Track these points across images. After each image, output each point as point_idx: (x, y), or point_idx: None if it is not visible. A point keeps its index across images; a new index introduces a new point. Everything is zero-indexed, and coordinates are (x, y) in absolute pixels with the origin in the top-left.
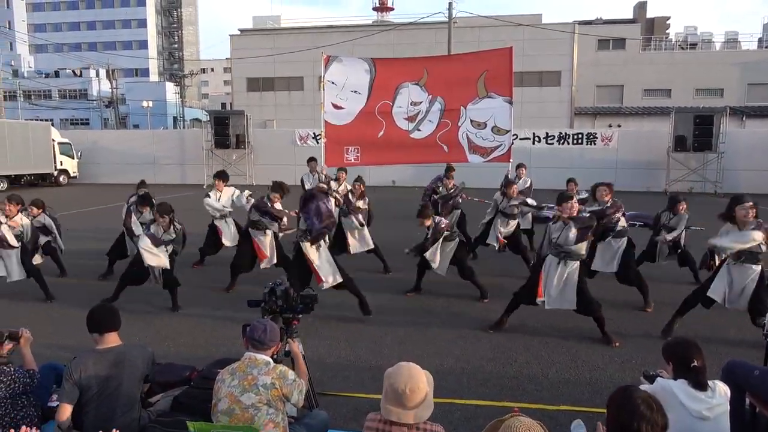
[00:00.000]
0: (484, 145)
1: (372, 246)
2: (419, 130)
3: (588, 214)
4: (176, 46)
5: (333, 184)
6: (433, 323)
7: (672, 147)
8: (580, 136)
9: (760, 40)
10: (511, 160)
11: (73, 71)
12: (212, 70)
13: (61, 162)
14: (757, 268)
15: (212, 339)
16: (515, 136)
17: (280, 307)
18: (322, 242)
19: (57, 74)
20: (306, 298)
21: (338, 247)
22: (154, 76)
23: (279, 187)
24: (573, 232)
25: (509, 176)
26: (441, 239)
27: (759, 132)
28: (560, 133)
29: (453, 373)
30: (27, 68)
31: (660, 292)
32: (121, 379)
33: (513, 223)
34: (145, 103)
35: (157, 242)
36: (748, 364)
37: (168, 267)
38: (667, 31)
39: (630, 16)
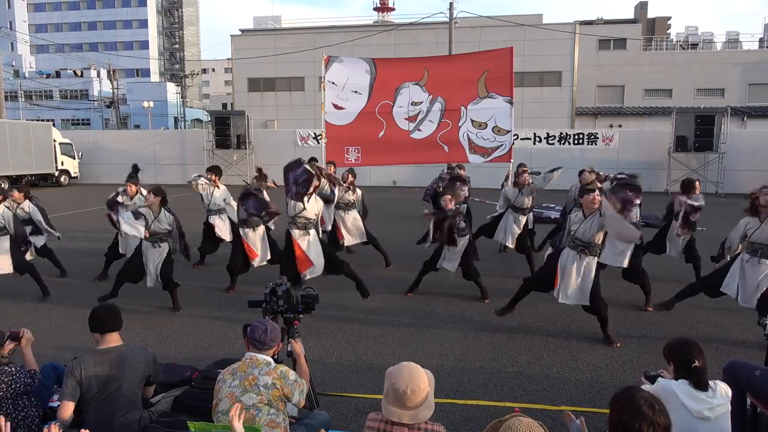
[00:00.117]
0: (484, 145)
1: (366, 239)
2: (420, 130)
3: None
4: (177, 46)
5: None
6: (434, 323)
7: (673, 147)
8: (581, 136)
9: (761, 41)
10: (512, 161)
11: (74, 71)
12: (213, 70)
13: (62, 162)
14: None
15: (213, 339)
16: (516, 137)
17: (281, 307)
18: (311, 233)
19: (58, 74)
20: (307, 298)
21: (331, 241)
22: (155, 77)
23: (262, 174)
24: (596, 225)
25: (510, 176)
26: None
27: (760, 132)
28: (561, 133)
29: (454, 373)
30: (28, 69)
31: (661, 293)
32: (122, 379)
33: (523, 219)
34: (146, 104)
35: (137, 215)
36: (750, 364)
37: (141, 236)
38: (668, 32)
39: (631, 16)
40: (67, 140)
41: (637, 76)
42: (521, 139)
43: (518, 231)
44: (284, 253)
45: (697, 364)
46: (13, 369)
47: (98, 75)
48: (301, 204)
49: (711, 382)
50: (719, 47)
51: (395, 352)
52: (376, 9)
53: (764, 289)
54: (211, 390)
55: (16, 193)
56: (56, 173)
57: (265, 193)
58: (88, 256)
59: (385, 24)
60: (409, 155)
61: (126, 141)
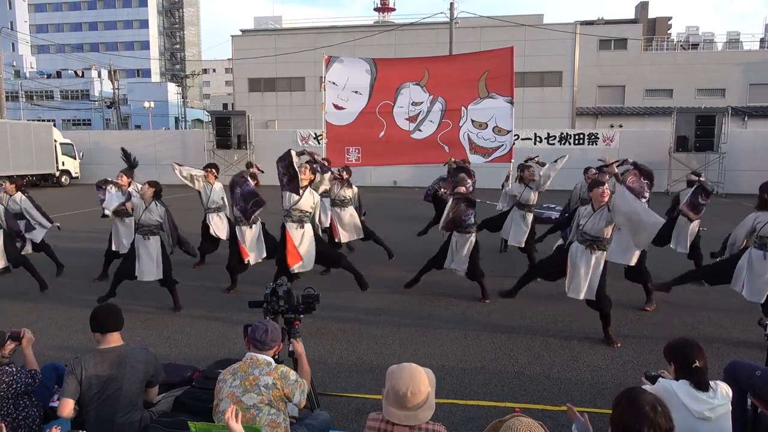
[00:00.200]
0: (485, 145)
1: (362, 235)
2: (420, 130)
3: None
4: (178, 46)
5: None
6: (435, 323)
7: (674, 147)
8: (581, 136)
9: (762, 41)
10: (512, 161)
11: (75, 72)
12: (214, 70)
13: (63, 162)
14: None
15: (214, 339)
16: (516, 137)
17: (282, 307)
18: (306, 227)
19: (59, 75)
20: (308, 298)
21: (328, 238)
22: (155, 77)
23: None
24: (605, 219)
25: (510, 176)
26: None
27: (761, 132)
28: (562, 133)
29: (454, 373)
30: (29, 69)
31: (663, 293)
32: (122, 379)
33: (530, 217)
34: (146, 104)
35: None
36: (750, 365)
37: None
38: (668, 32)
39: (632, 16)
40: (68, 140)
41: (637, 76)
42: (522, 139)
43: (526, 230)
44: (279, 246)
45: (697, 364)
46: (14, 369)
47: (99, 75)
48: (295, 196)
49: (712, 383)
50: (720, 47)
51: (396, 352)
52: (376, 9)
53: None
54: (212, 390)
55: (8, 185)
56: (57, 173)
57: (251, 181)
58: (88, 255)
59: (385, 24)
60: (410, 155)
61: (127, 141)
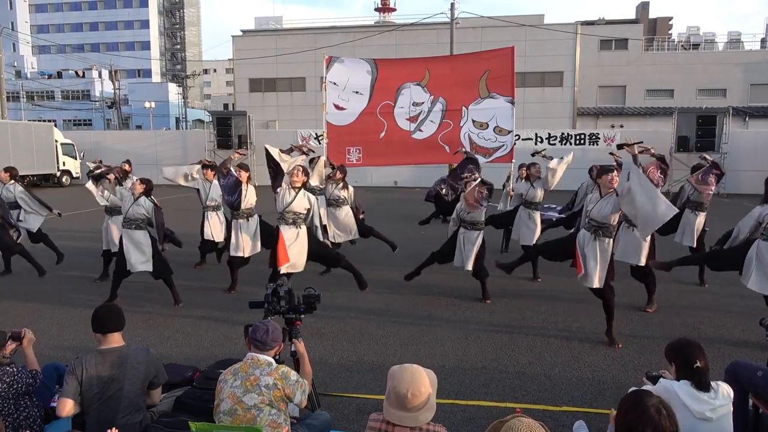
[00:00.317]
0: (486, 145)
1: (358, 235)
2: (421, 130)
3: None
4: (179, 46)
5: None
6: (435, 324)
7: (675, 147)
8: (582, 136)
9: (763, 41)
10: (513, 161)
11: (76, 72)
12: (214, 71)
13: (63, 162)
14: None
15: (214, 339)
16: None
17: (283, 308)
18: (302, 229)
19: (60, 75)
20: (309, 298)
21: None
22: (156, 77)
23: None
24: (612, 205)
25: (512, 176)
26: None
27: (762, 132)
28: (563, 133)
29: (455, 374)
30: (30, 69)
31: (664, 293)
32: (123, 380)
33: (537, 216)
34: (147, 104)
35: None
36: (752, 365)
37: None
38: (669, 32)
39: (632, 16)
40: (68, 141)
41: (638, 77)
42: (523, 139)
43: (534, 228)
44: (273, 246)
45: (699, 364)
46: (15, 369)
47: (100, 75)
48: (288, 198)
49: (713, 383)
50: (721, 47)
51: (396, 353)
52: (377, 9)
53: None
54: (213, 390)
55: (2, 173)
56: (58, 173)
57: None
58: (89, 255)
59: (386, 24)
60: (411, 156)
61: (128, 141)
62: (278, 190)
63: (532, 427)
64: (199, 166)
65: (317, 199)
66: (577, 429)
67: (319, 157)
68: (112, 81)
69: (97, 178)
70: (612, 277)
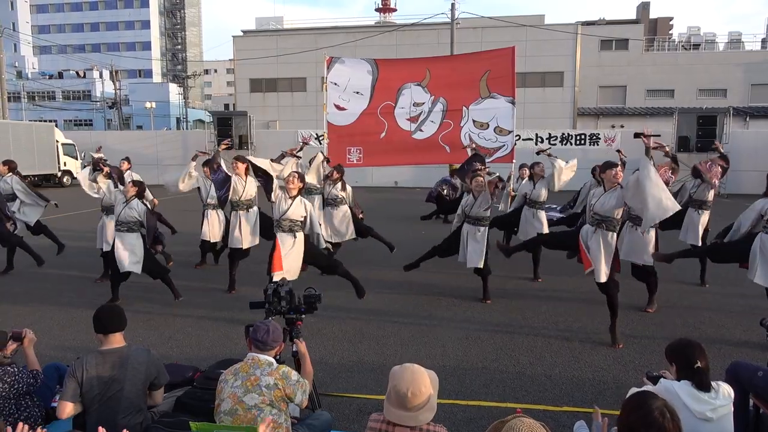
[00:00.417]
0: (486, 145)
1: (355, 236)
2: (421, 130)
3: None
4: (179, 47)
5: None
6: (436, 324)
7: (675, 148)
8: (582, 136)
9: (763, 41)
10: (514, 161)
11: (77, 72)
12: (215, 71)
13: (64, 163)
14: None
15: (215, 339)
16: (518, 137)
17: (283, 308)
18: (298, 236)
19: (61, 75)
20: (309, 298)
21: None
22: (157, 77)
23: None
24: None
25: (512, 177)
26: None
27: (762, 132)
28: (563, 133)
29: (455, 374)
30: (31, 70)
31: (665, 293)
32: (124, 381)
33: (542, 215)
34: (148, 104)
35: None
36: (752, 365)
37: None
38: (670, 32)
39: (633, 16)
40: (69, 141)
41: (639, 77)
42: (523, 139)
43: (540, 227)
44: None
45: (699, 364)
46: (16, 369)
47: (101, 76)
48: (284, 205)
49: (713, 383)
50: (721, 48)
51: (397, 353)
52: (377, 10)
53: None
54: (213, 390)
55: (0, 167)
56: (59, 174)
57: (224, 169)
58: (89, 255)
59: (386, 25)
60: (411, 156)
61: (128, 142)
62: (273, 198)
63: (532, 428)
64: (194, 163)
65: (315, 199)
66: (577, 429)
67: (316, 154)
68: (113, 81)
69: (94, 168)
70: (618, 269)
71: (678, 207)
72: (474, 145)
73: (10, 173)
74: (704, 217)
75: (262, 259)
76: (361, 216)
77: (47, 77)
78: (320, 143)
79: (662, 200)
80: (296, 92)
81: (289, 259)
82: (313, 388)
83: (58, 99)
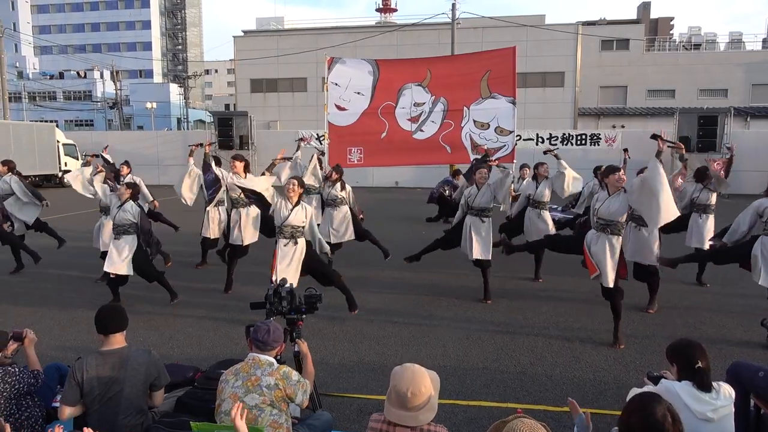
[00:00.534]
0: (487, 145)
1: (353, 237)
2: (422, 130)
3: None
4: (180, 47)
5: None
6: (436, 324)
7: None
8: (583, 136)
9: (764, 41)
10: (515, 161)
11: (78, 73)
12: (216, 71)
13: (65, 163)
14: None
15: (216, 340)
16: (518, 137)
17: (284, 308)
18: (300, 243)
19: (61, 76)
20: (310, 298)
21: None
22: (158, 78)
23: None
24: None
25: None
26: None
27: (763, 133)
28: (564, 133)
29: (456, 374)
30: (32, 70)
31: (665, 293)
32: (124, 382)
33: (546, 214)
34: (149, 105)
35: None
36: (753, 366)
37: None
38: (671, 32)
39: (634, 16)
40: (70, 141)
41: (639, 77)
42: (524, 139)
43: (547, 227)
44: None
45: (700, 365)
46: (17, 369)
47: (101, 76)
48: (285, 212)
49: (714, 384)
50: (722, 48)
51: (397, 353)
52: (378, 10)
53: None
54: (214, 390)
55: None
56: (60, 174)
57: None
58: (90, 256)
59: (387, 25)
60: (412, 156)
61: (129, 142)
62: (273, 208)
63: (533, 428)
64: (192, 159)
65: (313, 199)
66: (577, 425)
67: (313, 155)
68: (113, 81)
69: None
70: (624, 275)
71: (678, 213)
72: (486, 148)
73: (10, 173)
74: (709, 221)
75: (262, 260)
76: (361, 217)
77: (48, 77)
78: (321, 143)
79: (668, 204)
80: (297, 92)
81: (284, 265)
82: (314, 389)
83: (59, 99)
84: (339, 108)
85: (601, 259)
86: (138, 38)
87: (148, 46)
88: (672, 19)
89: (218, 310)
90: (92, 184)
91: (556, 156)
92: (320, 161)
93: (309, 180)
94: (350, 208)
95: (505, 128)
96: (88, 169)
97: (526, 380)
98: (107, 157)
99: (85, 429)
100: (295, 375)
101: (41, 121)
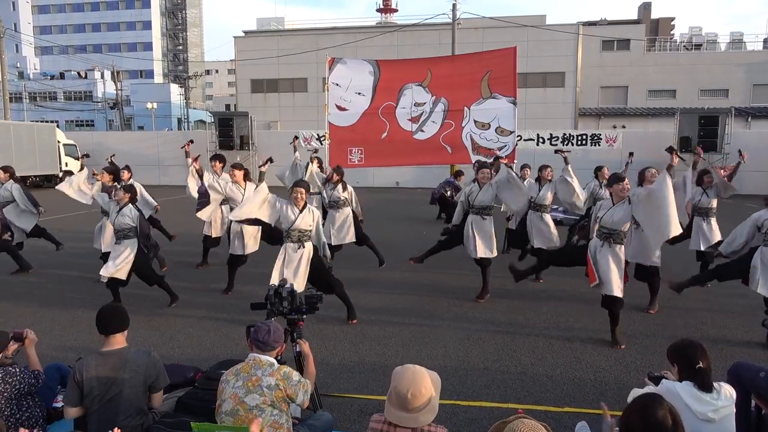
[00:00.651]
0: (487, 146)
1: (354, 239)
2: (422, 131)
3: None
4: (181, 47)
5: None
6: (437, 324)
7: (677, 148)
8: (584, 137)
9: (765, 41)
10: (515, 161)
11: (78, 73)
12: (216, 71)
13: (66, 163)
14: None
15: (216, 340)
16: (519, 137)
17: (285, 308)
18: (306, 247)
19: (62, 76)
20: (311, 298)
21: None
22: (158, 78)
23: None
24: (622, 212)
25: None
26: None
27: (764, 133)
28: (564, 134)
29: (457, 374)
30: (32, 70)
31: (666, 294)
32: (123, 383)
33: (548, 217)
34: (149, 105)
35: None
36: (754, 366)
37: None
38: (671, 32)
39: (634, 16)
40: (71, 141)
41: (640, 77)
42: (524, 140)
43: (549, 229)
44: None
45: (701, 365)
46: (17, 370)
47: (102, 76)
48: (292, 217)
49: (715, 384)
50: (723, 48)
51: (398, 353)
52: (379, 10)
53: None
54: (215, 391)
55: (1, 173)
56: (60, 174)
57: (206, 176)
58: (90, 256)
59: (388, 25)
60: (412, 156)
61: (130, 142)
62: (277, 214)
63: (534, 428)
64: (190, 160)
65: (314, 200)
66: (579, 430)
67: (309, 161)
68: (114, 82)
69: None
70: (626, 281)
71: (680, 230)
72: (498, 153)
73: (11, 180)
74: (713, 224)
75: (263, 261)
76: (360, 219)
77: (49, 78)
78: (321, 144)
79: (673, 218)
80: (297, 93)
81: (295, 271)
82: (315, 389)
83: (60, 99)
84: (340, 108)
85: (605, 270)
86: (139, 38)
87: (148, 47)
88: (673, 19)
89: (219, 311)
90: (84, 189)
91: (565, 159)
92: (320, 161)
93: (314, 182)
94: (353, 210)
95: (505, 128)
96: (83, 174)
97: (527, 381)
98: (115, 163)
99: None
100: (295, 375)
101: (42, 122)
